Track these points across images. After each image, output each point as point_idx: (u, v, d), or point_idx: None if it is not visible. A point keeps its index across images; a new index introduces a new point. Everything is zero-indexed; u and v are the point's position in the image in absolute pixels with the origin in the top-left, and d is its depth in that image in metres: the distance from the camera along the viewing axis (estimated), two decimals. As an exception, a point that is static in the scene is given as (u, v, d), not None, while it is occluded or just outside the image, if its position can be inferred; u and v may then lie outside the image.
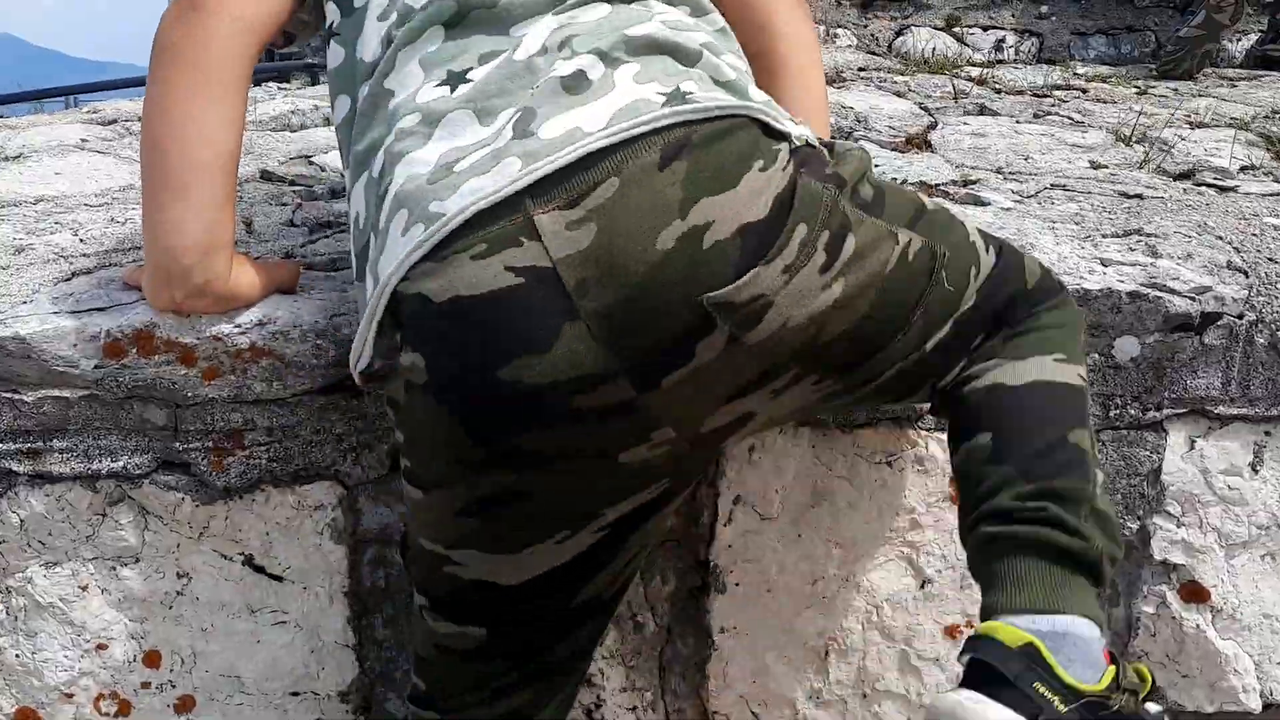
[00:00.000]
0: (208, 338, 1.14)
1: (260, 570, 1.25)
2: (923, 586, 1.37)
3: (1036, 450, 1.01)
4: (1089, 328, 1.30)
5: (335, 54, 1.10)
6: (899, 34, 2.98)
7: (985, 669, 0.88)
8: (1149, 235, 1.43)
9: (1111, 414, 1.34)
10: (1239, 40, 3.15)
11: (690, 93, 0.93)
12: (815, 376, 0.99)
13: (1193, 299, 1.30)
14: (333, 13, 1.11)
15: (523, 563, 0.99)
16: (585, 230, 0.88)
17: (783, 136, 0.95)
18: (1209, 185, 1.82)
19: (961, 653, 0.93)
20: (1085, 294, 1.29)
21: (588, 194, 0.88)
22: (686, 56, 0.99)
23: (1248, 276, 1.34)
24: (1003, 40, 3.02)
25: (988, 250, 1.09)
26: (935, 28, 2.99)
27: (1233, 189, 1.80)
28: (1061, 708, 0.85)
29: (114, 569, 1.23)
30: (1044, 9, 3.04)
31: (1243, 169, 1.94)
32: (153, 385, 1.15)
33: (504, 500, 0.95)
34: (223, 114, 1.05)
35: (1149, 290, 1.30)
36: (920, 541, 1.36)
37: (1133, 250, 1.39)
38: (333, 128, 1.12)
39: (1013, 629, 0.89)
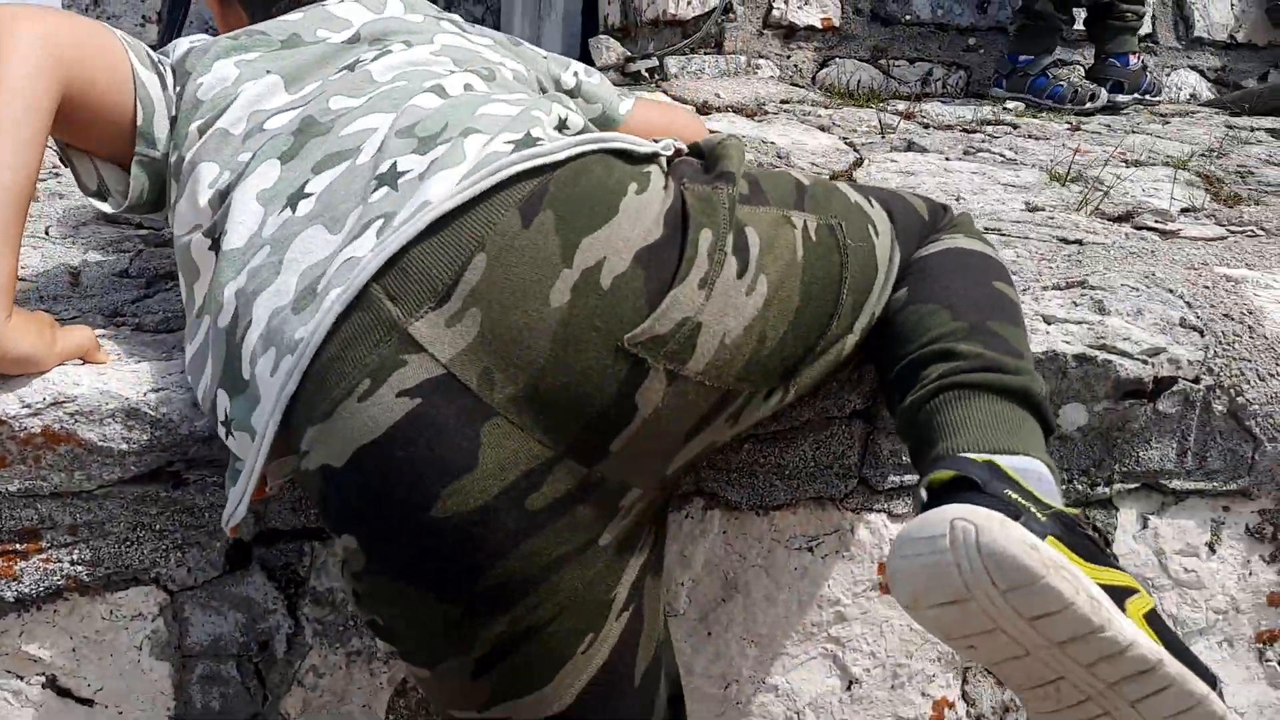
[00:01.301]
0: (-11, 421, 0.94)
1: (66, 694, 1.04)
2: (849, 688, 1.20)
3: (961, 291, 0.97)
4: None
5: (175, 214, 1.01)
6: (823, 65, 2.86)
7: (943, 491, 0.79)
8: (1095, 288, 1.29)
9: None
10: (1170, 74, 3.09)
11: (540, 139, 0.86)
12: (766, 390, 0.89)
13: (1145, 362, 1.16)
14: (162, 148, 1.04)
15: (561, 690, 0.86)
16: (469, 319, 0.78)
17: (648, 159, 0.89)
18: (1150, 229, 1.70)
19: (915, 494, 0.83)
20: (1027, 357, 1.14)
21: (456, 283, 0.79)
22: (533, 118, 0.92)
23: (1203, 335, 1.21)
24: (930, 73, 2.91)
25: (872, 204, 1.01)
26: (860, 59, 2.87)
27: (1175, 233, 1.68)
28: (1039, 515, 0.75)
29: (-118, 697, 1.02)
30: (971, 41, 2.94)
31: (1183, 211, 1.83)
32: (-80, 479, 0.95)
33: (514, 644, 0.83)
34: (19, 136, 0.91)
35: (1097, 353, 1.16)
36: (846, 637, 1.19)
37: (1078, 305, 1.25)
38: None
39: (971, 458, 0.81)
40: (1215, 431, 1.20)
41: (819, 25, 2.84)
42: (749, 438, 1.12)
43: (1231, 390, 1.19)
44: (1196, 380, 1.18)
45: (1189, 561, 1.23)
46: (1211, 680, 0.75)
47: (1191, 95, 3.07)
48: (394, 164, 0.87)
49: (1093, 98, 2.64)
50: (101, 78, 1.01)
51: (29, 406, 0.95)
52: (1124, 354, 1.16)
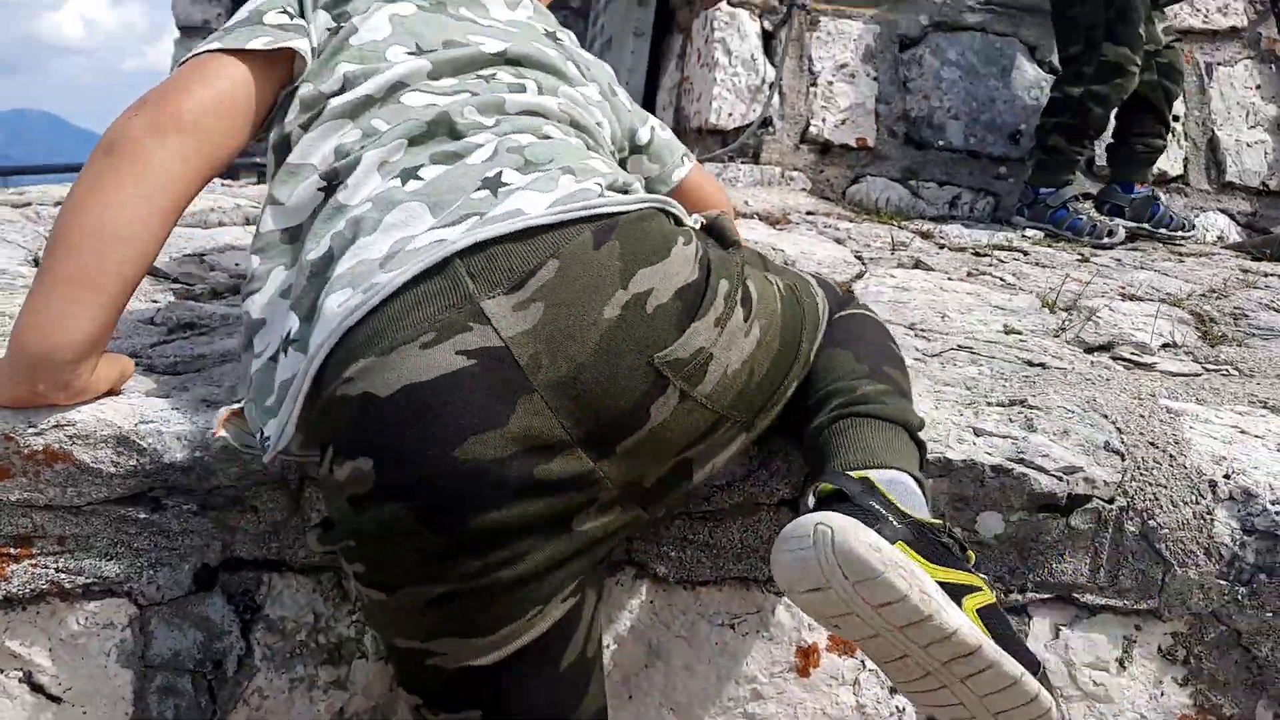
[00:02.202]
0: (-2, 436, 1.08)
1: (39, 690, 1.16)
2: (762, 764, 1.27)
3: (864, 342, 1.21)
4: (954, 498, 1.24)
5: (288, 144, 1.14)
6: (854, 181, 2.99)
7: (825, 501, 0.97)
8: (1032, 407, 1.37)
9: (973, 593, 1.26)
10: (1199, 215, 3.16)
11: (619, 190, 1.07)
12: (745, 419, 1.07)
13: (1060, 478, 1.24)
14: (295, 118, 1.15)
15: (499, 643, 0.97)
16: (533, 309, 0.92)
17: (683, 225, 1.08)
18: (1124, 360, 1.77)
19: (803, 501, 1.03)
20: (948, 464, 1.23)
21: (530, 276, 0.93)
22: (617, 178, 1.11)
23: (1124, 459, 1.28)
24: (959, 197, 3.02)
25: (807, 277, 1.25)
26: (891, 178, 3.00)
27: (1149, 366, 1.75)
28: (896, 522, 0.93)
29: (-120, 674, 1.14)
30: (1002, 169, 3.05)
31: (1164, 346, 1.89)
32: (-66, 481, 1.08)
33: (474, 589, 0.94)
34: (162, 235, 1.08)
35: (1015, 465, 1.24)
36: (761, 715, 1.27)
37: (1011, 421, 1.33)
38: (258, 226, 1.14)
39: (849, 475, 0.99)
40: (1127, 551, 1.26)
41: (854, 144, 2.98)
42: (681, 514, 1.22)
43: (1144, 513, 1.25)
44: (1111, 500, 1.25)
45: (1099, 675, 1.28)
46: (1034, 666, 0.92)
47: (1219, 237, 3.13)
48: (500, 173, 1.04)
49: (1110, 233, 2.72)
50: (233, 135, 1.13)
51: (34, 426, 1.09)
52: (1040, 469, 1.24)
